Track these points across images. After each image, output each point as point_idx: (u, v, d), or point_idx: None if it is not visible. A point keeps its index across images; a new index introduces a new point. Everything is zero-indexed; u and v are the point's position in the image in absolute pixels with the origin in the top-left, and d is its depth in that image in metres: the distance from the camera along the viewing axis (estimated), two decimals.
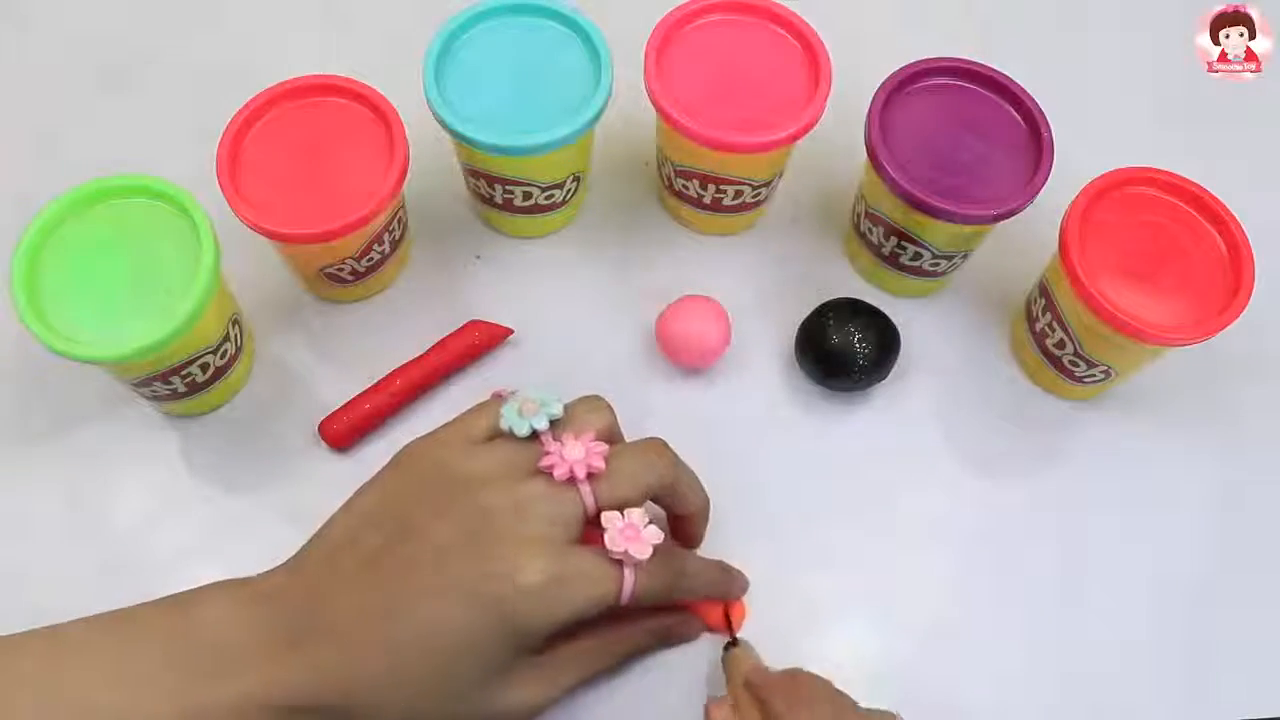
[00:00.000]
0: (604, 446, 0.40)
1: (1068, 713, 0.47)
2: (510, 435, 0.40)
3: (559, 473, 0.39)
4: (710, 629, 0.47)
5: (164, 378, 0.46)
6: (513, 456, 0.40)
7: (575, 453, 0.39)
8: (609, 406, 0.43)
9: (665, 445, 0.43)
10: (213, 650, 0.36)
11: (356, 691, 0.37)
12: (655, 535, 0.39)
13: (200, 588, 0.39)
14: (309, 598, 0.38)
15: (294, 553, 0.40)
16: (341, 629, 0.37)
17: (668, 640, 0.46)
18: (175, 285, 0.44)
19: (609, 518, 0.39)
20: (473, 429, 0.41)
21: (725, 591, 0.46)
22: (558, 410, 0.40)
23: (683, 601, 0.46)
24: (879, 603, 0.48)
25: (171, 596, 0.38)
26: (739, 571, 0.47)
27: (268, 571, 0.40)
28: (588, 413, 0.42)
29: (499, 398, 0.42)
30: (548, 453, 0.39)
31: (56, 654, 0.36)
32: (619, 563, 0.39)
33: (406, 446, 0.42)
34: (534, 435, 0.40)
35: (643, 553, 0.38)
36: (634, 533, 0.39)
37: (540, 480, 0.39)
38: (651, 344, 0.53)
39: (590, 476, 0.39)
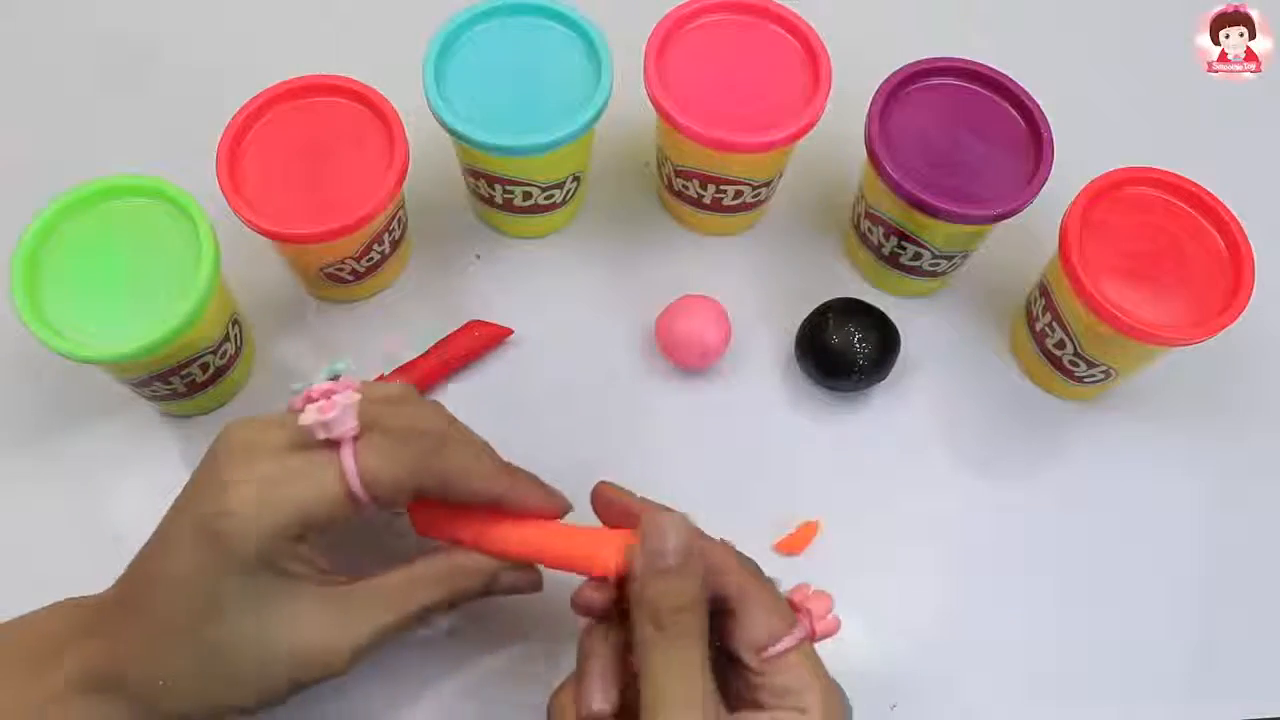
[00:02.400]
0: (350, 387, 0.36)
1: (1068, 713, 0.47)
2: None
3: (295, 402, 0.36)
4: (592, 574, 0.37)
5: (164, 377, 0.46)
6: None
7: (319, 388, 0.35)
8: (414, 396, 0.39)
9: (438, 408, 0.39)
10: (35, 644, 0.36)
11: (127, 657, 0.36)
12: (349, 398, 0.35)
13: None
14: (117, 586, 0.38)
15: None
16: (118, 599, 0.37)
17: (496, 586, 0.39)
18: (175, 285, 0.44)
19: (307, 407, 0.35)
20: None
21: (521, 497, 0.39)
22: (340, 368, 0.37)
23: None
24: (879, 602, 0.48)
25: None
26: (542, 484, 0.40)
27: None
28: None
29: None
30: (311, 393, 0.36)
31: None
32: (335, 447, 0.35)
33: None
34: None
35: (342, 422, 0.34)
36: (328, 403, 0.34)
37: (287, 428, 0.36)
38: (651, 344, 0.53)
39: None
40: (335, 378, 0.37)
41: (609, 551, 0.37)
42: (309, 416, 0.35)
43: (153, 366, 0.45)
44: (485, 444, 0.40)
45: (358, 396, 0.35)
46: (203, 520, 0.35)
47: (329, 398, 0.35)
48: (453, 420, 0.40)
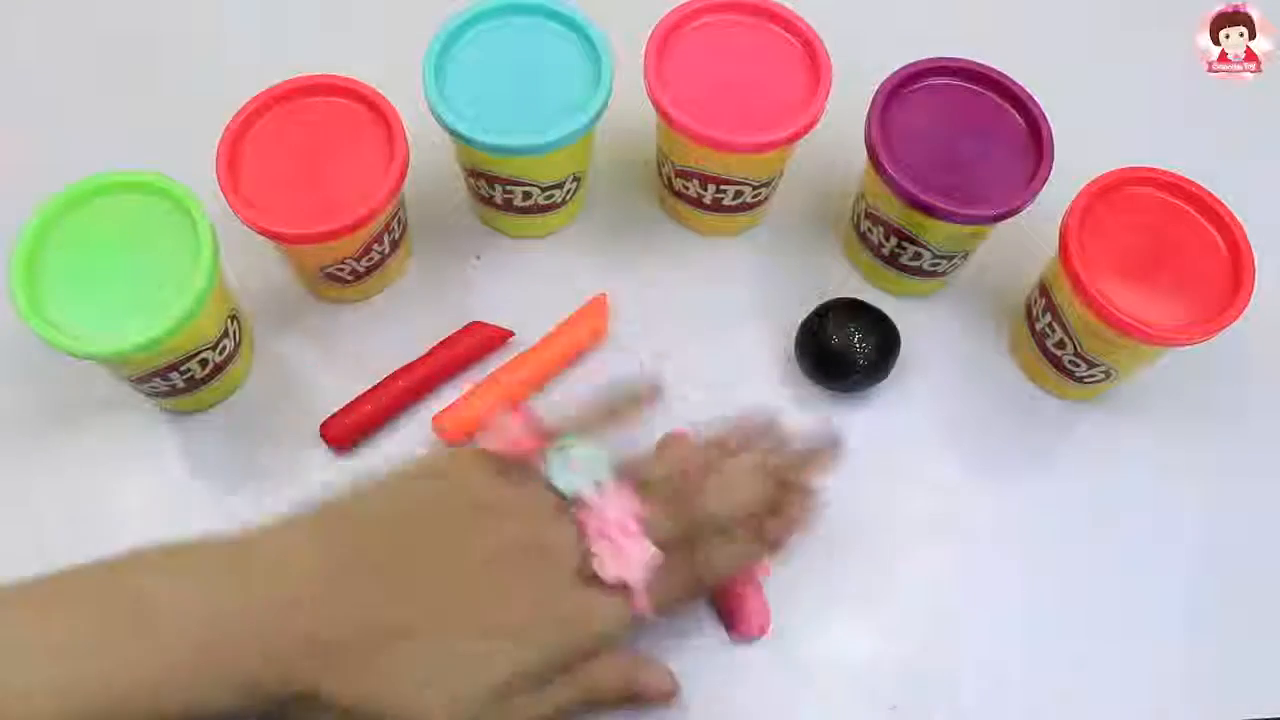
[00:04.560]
0: (638, 510, 0.40)
1: (1068, 713, 0.47)
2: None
3: (591, 529, 0.39)
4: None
5: (163, 373, 0.46)
6: (538, 495, 0.40)
7: (612, 510, 0.39)
8: (684, 448, 0.44)
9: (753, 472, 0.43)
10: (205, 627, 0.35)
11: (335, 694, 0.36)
12: (647, 553, 0.39)
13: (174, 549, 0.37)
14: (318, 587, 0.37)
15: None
16: (339, 639, 0.36)
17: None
18: (174, 280, 0.44)
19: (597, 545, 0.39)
20: (510, 450, 0.41)
21: (755, 556, 0.44)
22: (603, 473, 0.40)
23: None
24: (879, 603, 0.48)
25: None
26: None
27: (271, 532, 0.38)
28: (659, 463, 0.43)
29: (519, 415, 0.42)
30: (587, 505, 0.40)
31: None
32: (625, 587, 0.39)
33: (441, 453, 0.42)
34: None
35: (639, 576, 0.39)
36: (627, 555, 0.39)
37: (565, 524, 0.39)
38: (651, 344, 0.53)
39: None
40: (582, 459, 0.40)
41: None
42: (609, 570, 0.38)
43: (152, 362, 0.45)
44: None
45: (653, 554, 0.39)
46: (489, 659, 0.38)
47: (621, 543, 0.39)
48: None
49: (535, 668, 0.38)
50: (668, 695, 0.42)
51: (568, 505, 0.40)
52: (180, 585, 0.35)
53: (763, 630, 0.46)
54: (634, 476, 0.41)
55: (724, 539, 0.42)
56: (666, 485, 0.42)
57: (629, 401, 0.44)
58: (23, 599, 0.36)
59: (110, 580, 0.36)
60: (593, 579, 0.39)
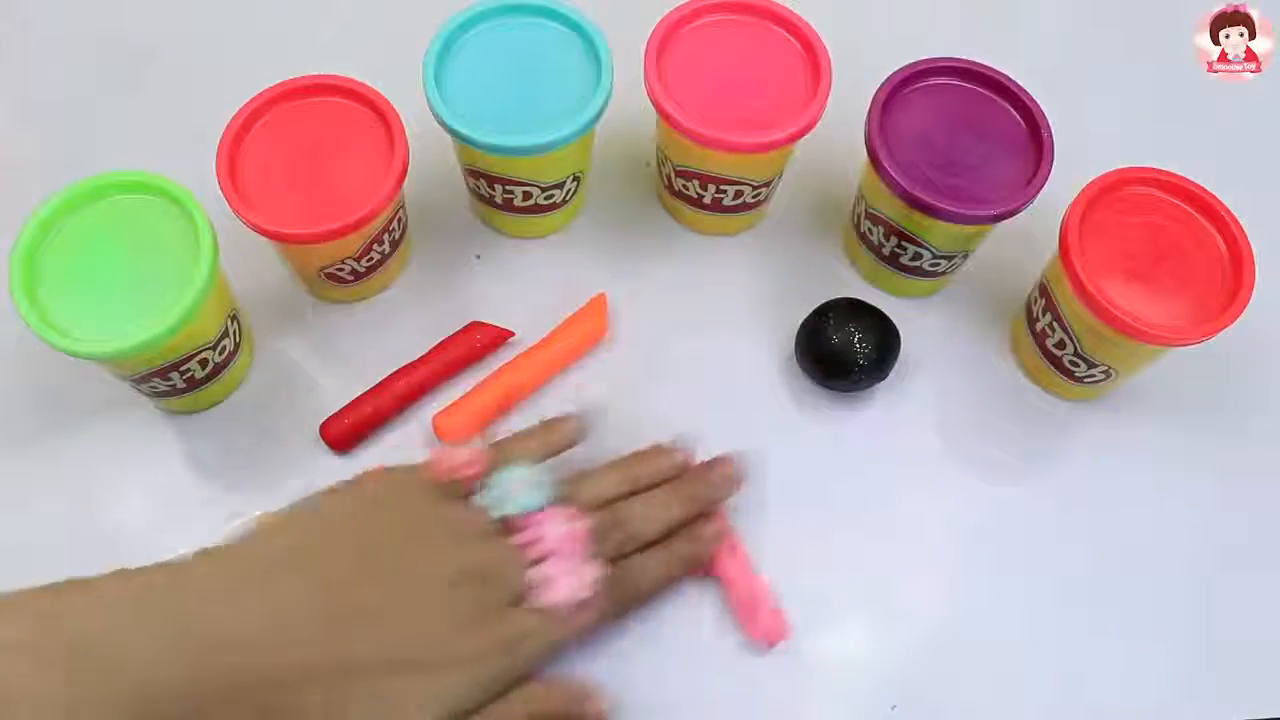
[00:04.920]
0: (577, 531, 0.41)
1: (1068, 713, 0.47)
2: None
3: (535, 551, 0.40)
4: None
5: (163, 374, 0.46)
6: (480, 521, 0.41)
7: (556, 530, 0.40)
8: (611, 473, 0.45)
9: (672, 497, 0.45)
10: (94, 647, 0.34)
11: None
12: (591, 573, 0.40)
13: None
14: (227, 600, 0.36)
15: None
16: (276, 679, 0.35)
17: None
18: (174, 280, 0.44)
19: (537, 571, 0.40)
20: (451, 474, 0.41)
21: (694, 561, 0.46)
22: (541, 498, 0.41)
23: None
24: (879, 603, 0.48)
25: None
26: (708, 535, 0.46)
27: (199, 557, 0.37)
28: (589, 486, 0.44)
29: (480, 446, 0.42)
30: (528, 526, 0.41)
31: None
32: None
33: (375, 475, 0.42)
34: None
35: (579, 596, 0.40)
36: (570, 577, 0.40)
37: (505, 547, 0.40)
38: (651, 344, 0.53)
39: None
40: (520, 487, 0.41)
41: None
42: (553, 593, 0.40)
43: (152, 362, 0.45)
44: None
45: (594, 575, 0.40)
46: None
47: (564, 565, 0.40)
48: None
49: (478, 694, 0.38)
50: (602, 717, 0.42)
51: (507, 528, 0.41)
52: (114, 624, 0.34)
53: (771, 637, 0.46)
54: (567, 500, 0.42)
55: (645, 558, 0.44)
56: (596, 509, 0.43)
57: (563, 431, 0.46)
58: None
59: (44, 619, 0.35)
60: (532, 601, 0.40)
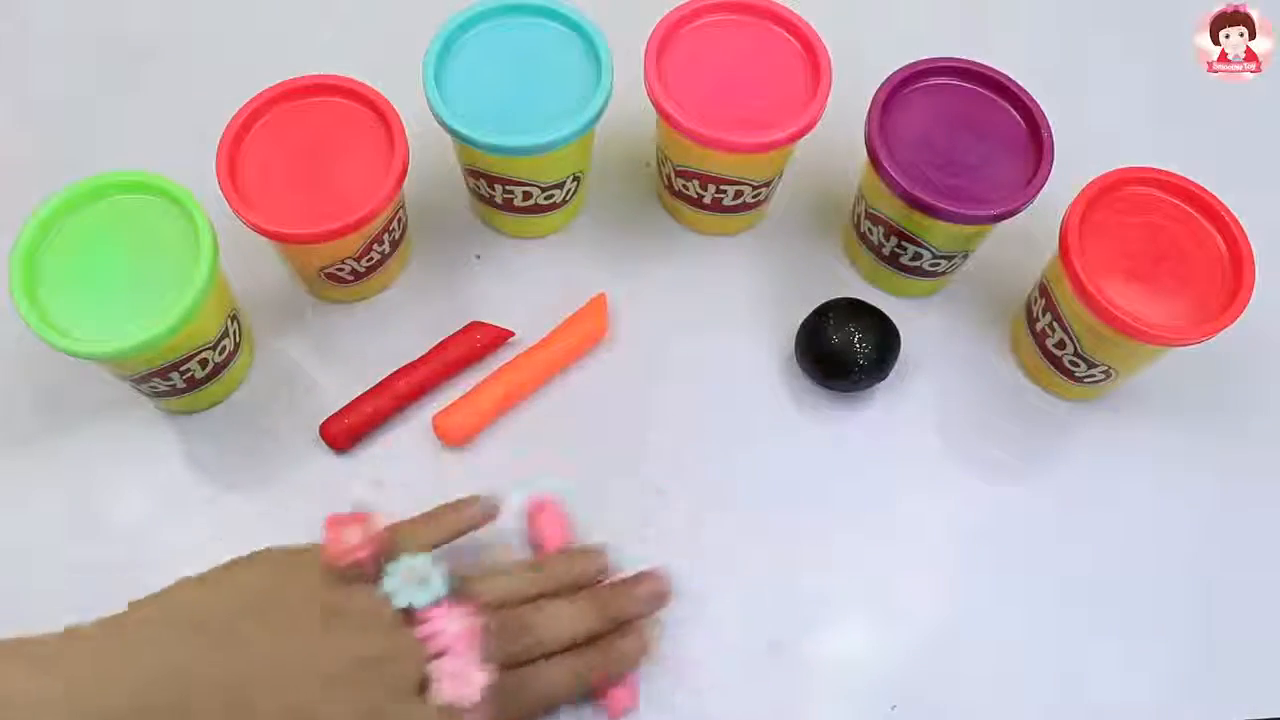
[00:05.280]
0: (474, 628, 0.39)
1: (1068, 713, 0.47)
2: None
3: (432, 646, 0.38)
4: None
5: (163, 373, 0.46)
6: (378, 607, 0.39)
7: (454, 626, 0.39)
8: (516, 573, 0.43)
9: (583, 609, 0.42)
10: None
11: None
12: (482, 677, 0.38)
13: None
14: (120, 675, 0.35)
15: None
16: None
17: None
18: (174, 280, 0.44)
19: (435, 666, 0.39)
20: (344, 557, 0.39)
21: (602, 673, 0.43)
22: (440, 590, 0.39)
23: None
24: (879, 603, 0.48)
25: None
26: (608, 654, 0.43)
27: (69, 632, 0.36)
28: (492, 584, 0.42)
29: (352, 521, 0.40)
30: (428, 619, 0.39)
31: None
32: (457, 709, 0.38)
33: (270, 559, 0.40)
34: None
35: (469, 699, 0.38)
36: (462, 678, 0.38)
37: (405, 637, 0.39)
38: (651, 344, 0.53)
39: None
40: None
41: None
42: (444, 693, 0.38)
43: (152, 362, 0.45)
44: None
45: (488, 677, 0.38)
46: None
47: (457, 663, 0.38)
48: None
49: None
50: None
51: (405, 616, 0.39)
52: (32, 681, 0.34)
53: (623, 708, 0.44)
54: (468, 594, 0.41)
55: (550, 665, 0.42)
56: (498, 608, 0.41)
57: (463, 515, 0.44)
58: None
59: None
60: (429, 696, 0.38)
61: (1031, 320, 0.52)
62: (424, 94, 0.48)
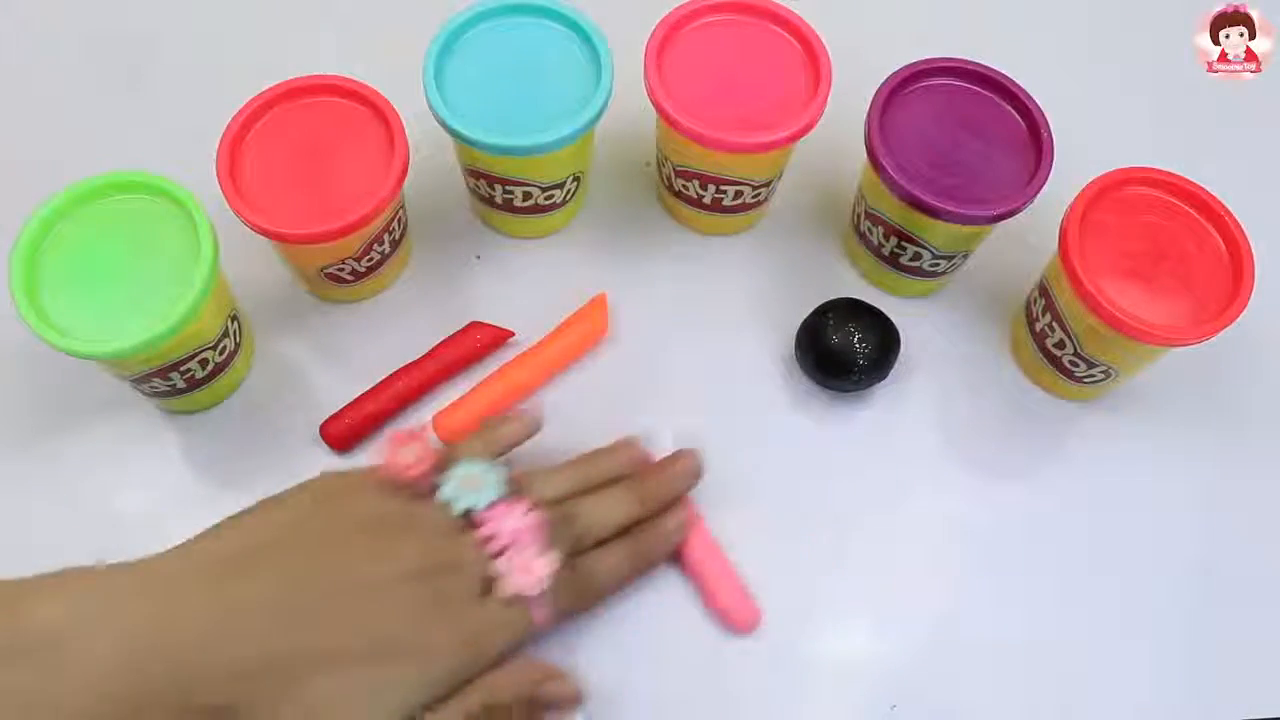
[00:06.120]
0: (533, 524, 0.41)
1: (1067, 712, 0.47)
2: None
3: (494, 544, 0.40)
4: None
5: (163, 374, 0.46)
6: (437, 518, 0.41)
7: (513, 523, 0.41)
8: (564, 471, 0.45)
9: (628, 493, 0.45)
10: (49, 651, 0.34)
11: None
12: (546, 565, 0.40)
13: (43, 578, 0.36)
14: (180, 612, 0.36)
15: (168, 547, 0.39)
16: (238, 672, 0.36)
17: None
18: (174, 280, 0.44)
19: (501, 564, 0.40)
20: (400, 473, 0.41)
21: (651, 561, 0.46)
22: (491, 493, 0.41)
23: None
24: (879, 603, 0.48)
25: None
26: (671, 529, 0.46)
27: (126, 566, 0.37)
28: (542, 483, 0.44)
29: (409, 439, 0.42)
30: (486, 521, 0.41)
31: None
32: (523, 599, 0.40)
33: (333, 476, 0.42)
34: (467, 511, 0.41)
35: (536, 588, 0.40)
36: (526, 569, 0.40)
37: (463, 542, 0.40)
38: (651, 344, 0.53)
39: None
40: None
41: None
42: (511, 585, 0.40)
43: (152, 362, 0.45)
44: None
45: (551, 565, 0.40)
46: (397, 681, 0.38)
47: (521, 557, 0.40)
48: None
49: (442, 687, 0.38)
50: (574, 701, 0.42)
51: (464, 523, 0.41)
52: (78, 621, 0.35)
53: (742, 622, 0.46)
54: (521, 493, 0.42)
55: (603, 552, 0.44)
56: (551, 502, 0.43)
57: (512, 426, 0.46)
58: None
59: (13, 610, 0.35)
60: (492, 593, 0.40)
61: (1031, 320, 0.52)
62: (424, 94, 0.48)
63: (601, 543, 0.44)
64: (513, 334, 0.52)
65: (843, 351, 0.50)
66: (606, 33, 0.50)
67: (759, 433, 0.51)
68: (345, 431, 0.49)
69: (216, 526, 0.40)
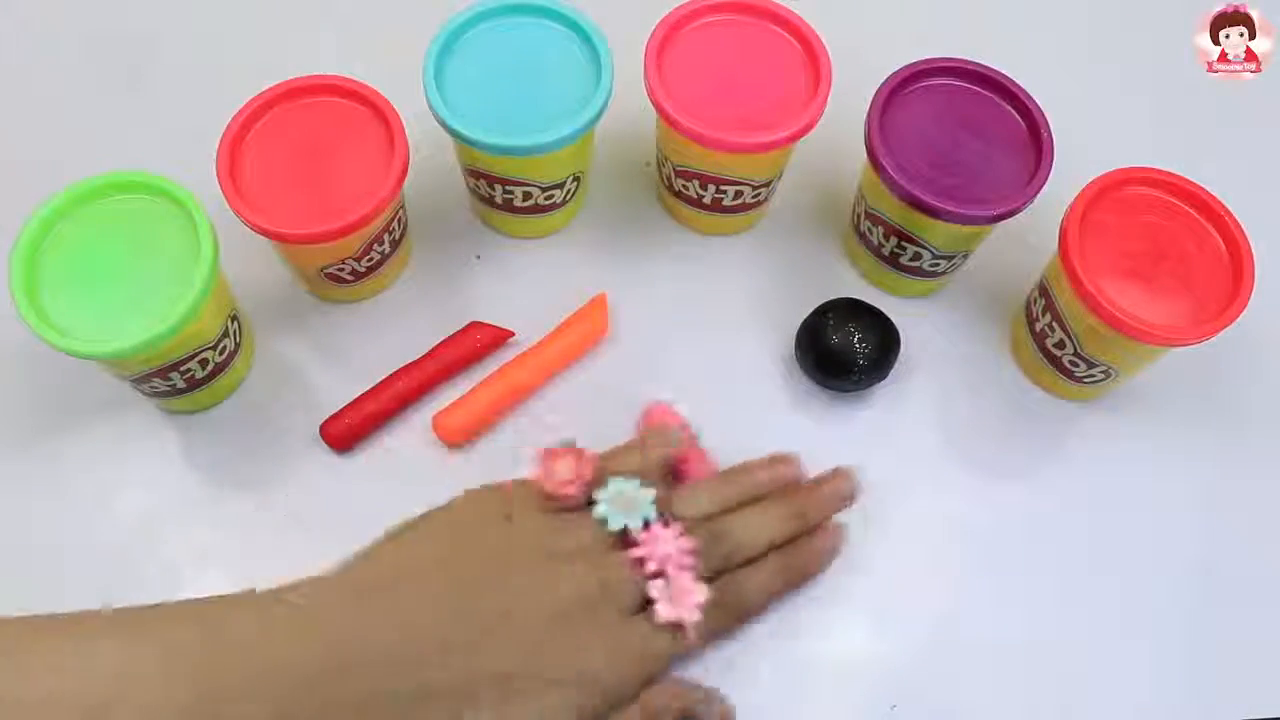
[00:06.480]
0: (687, 547, 0.41)
1: (1068, 713, 0.47)
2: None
3: (648, 567, 0.40)
4: None
5: (163, 374, 0.46)
6: (590, 536, 0.41)
7: (666, 547, 0.40)
8: (712, 488, 0.45)
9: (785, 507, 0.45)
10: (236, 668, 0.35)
11: None
12: (702, 593, 0.40)
13: (225, 600, 0.37)
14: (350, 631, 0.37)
15: (323, 563, 0.39)
16: (400, 695, 0.36)
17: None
18: (174, 280, 0.44)
19: (655, 585, 0.40)
20: (555, 490, 0.41)
21: (800, 579, 0.46)
22: (649, 511, 0.41)
23: None
24: (879, 602, 0.48)
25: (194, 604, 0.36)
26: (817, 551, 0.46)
27: (303, 586, 0.38)
28: (689, 500, 0.44)
29: (563, 454, 0.42)
30: (640, 542, 0.41)
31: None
32: (676, 626, 0.40)
33: (481, 495, 0.42)
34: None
35: (691, 616, 0.40)
36: (682, 596, 0.40)
37: (620, 563, 0.41)
38: (651, 344, 0.53)
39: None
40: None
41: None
42: (666, 613, 0.40)
43: (152, 362, 0.45)
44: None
45: (707, 594, 0.40)
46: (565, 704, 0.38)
47: (676, 582, 0.40)
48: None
49: (600, 709, 0.39)
50: (728, 717, 0.42)
51: (615, 540, 0.41)
52: (239, 641, 0.35)
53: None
54: (671, 513, 0.42)
55: (754, 570, 0.44)
56: (698, 519, 0.43)
57: (664, 439, 0.46)
58: (60, 627, 0.35)
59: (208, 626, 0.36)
60: (644, 614, 0.40)
61: (1031, 320, 0.52)
62: (424, 94, 0.48)
63: (749, 560, 0.44)
64: (513, 334, 0.52)
65: (843, 351, 0.50)
66: (606, 33, 0.50)
67: (759, 433, 0.51)
68: (345, 431, 0.49)
69: (380, 541, 0.40)
